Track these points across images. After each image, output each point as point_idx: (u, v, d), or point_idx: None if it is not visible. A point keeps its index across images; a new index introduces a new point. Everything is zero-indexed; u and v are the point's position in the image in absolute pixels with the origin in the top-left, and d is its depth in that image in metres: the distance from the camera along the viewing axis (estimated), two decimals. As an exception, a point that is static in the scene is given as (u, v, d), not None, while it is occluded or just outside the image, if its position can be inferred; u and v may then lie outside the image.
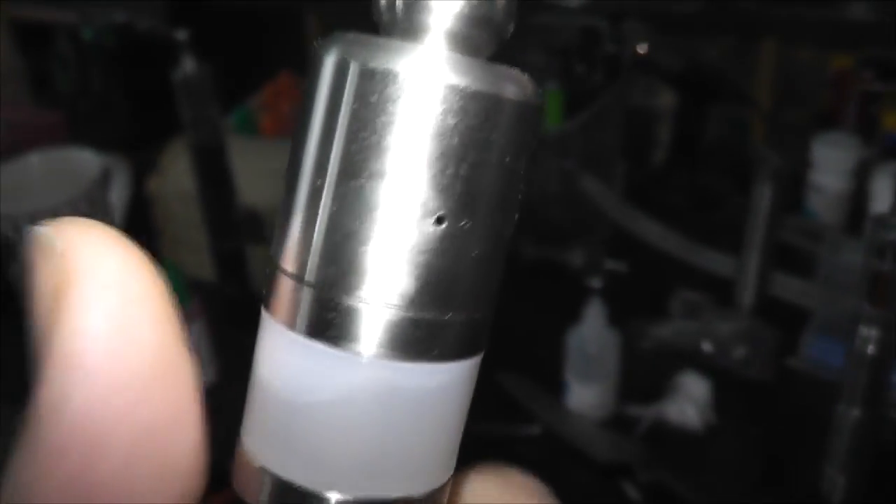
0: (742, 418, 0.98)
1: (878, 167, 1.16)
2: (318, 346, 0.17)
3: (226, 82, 1.08)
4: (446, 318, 0.17)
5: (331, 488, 0.18)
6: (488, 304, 0.19)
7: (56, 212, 1.04)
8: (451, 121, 0.16)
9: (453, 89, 0.16)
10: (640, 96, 1.41)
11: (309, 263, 0.17)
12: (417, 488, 0.18)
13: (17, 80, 1.85)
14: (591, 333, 0.92)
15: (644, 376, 0.99)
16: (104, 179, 1.14)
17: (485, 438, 0.88)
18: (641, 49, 1.20)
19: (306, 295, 0.17)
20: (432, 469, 0.19)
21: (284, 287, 0.18)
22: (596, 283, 1.09)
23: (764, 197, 1.01)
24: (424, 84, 0.16)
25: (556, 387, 0.97)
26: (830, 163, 1.20)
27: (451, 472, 0.20)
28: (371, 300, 0.17)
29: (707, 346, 1.02)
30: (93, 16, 1.84)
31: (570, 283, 1.15)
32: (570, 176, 1.17)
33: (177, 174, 1.19)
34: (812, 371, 0.99)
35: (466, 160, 0.17)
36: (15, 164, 1.17)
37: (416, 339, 0.17)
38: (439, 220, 0.17)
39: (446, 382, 0.18)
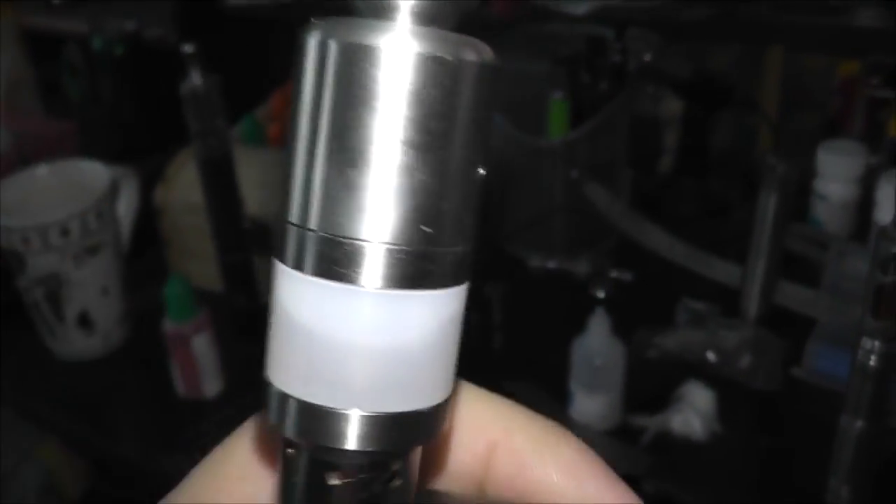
0: (747, 428, 0.98)
1: (884, 174, 1.15)
2: (327, 283, 0.20)
3: (234, 92, 1.08)
4: (437, 251, 0.20)
5: (351, 406, 0.20)
6: (470, 238, 0.21)
7: (64, 224, 1.05)
8: (423, 85, 0.19)
9: (422, 56, 0.19)
10: (646, 104, 1.41)
11: (311, 214, 0.20)
12: (425, 402, 0.21)
13: (27, 89, 1.86)
14: (596, 343, 0.93)
15: (649, 386, 0.99)
16: (113, 191, 1.15)
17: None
18: (647, 57, 1.21)
19: (311, 240, 0.20)
20: (436, 385, 0.22)
21: (292, 236, 0.20)
22: (601, 292, 1.09)
23: (769, 205, 1.01)
24: (397, 53, 0.19)
25: (561, 396, 0.98)
26: (836, 170, 1.20)
27: (451, 390, 0.22)
28: (369, 239, 0.19)
29: (712, 356, 1.02)
30: (102, 25, 1.85)
31: (575, 293, 1.15)
32: (576, 185, 1.17)
33: (184, 185, 1.20)
34: (817, 381, 0.99)
35: (440, 114, 0.19)
36: (23, 176, 1.18)
37: (413, 270, 0.20)
38: (422, 169, 0.20)
39: (441, 308, 0.21)
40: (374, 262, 0.20)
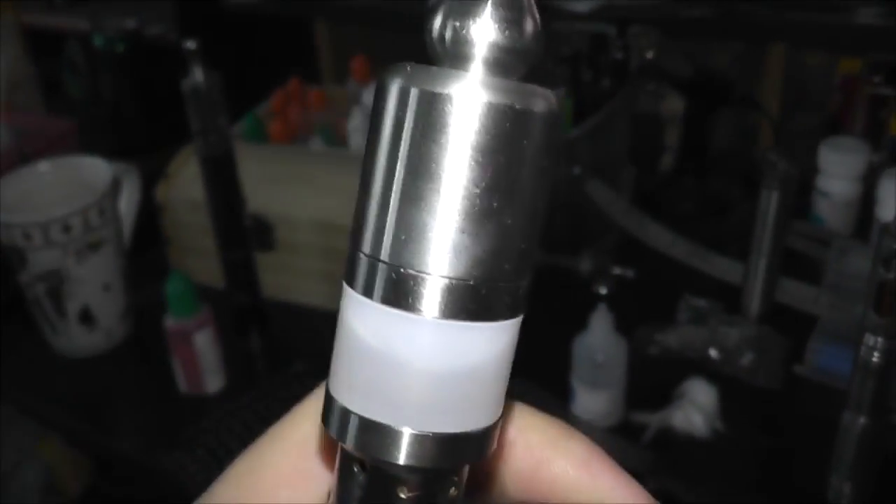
0: (749, 426, 0.98)
1: (886, 172, 1.15)
2: (392, 311, 0.21)
3: (235, 89, 1.08)
4: (497, 286, 0.22)
5: (405, 424, 0.22)
6: (528, 273, 0.23)
7: (66, 220, 1.05)
8: (491, 131, 0.21)
9: (492, 106, 0.20)
10: (648, 102, 1.40)
11: (383, 246, 0.21)
12: (474, 425, 0.23)
13: (28, 87, 1.86)
14: (598, 340, 0.93)
15: (651, 383, 0.99)
16: (114, 187, 1.15)
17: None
18: (649, 55, 1.21)
19: (381, 271, 0.21)
20: (486, 410, 0.23)
21: (363, 265, 0.22)
22: (602, 289, 1.09)
23: (771, 203, 1.01)
24: (468, 102, 0.20)
25: (563, 393, 0.98)
26: (838, 168, 1.20)
27: (500, 413, 0.24)
28: (433, 272, 0.21)
29: (714, 353, 1.02)
30: (103, 23, 1.85)
31: (578, 290, 1.15)
32: (578, 182, 1.17)
33: (185, 182, 1.20)
34: (819, 378, 0.99)
35: (506, 160, 0.21)
36: (25, 172, 1.18)
37: (472, 304, 0.21)
38: (489, 209, 0.21)
39: (496, 339, 0.22)
40: (436, 293, 0.21)
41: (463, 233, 0.21)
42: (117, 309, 1.15)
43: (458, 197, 0.21)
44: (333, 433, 0.23)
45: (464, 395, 0.22)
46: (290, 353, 1.11)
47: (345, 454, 0.24)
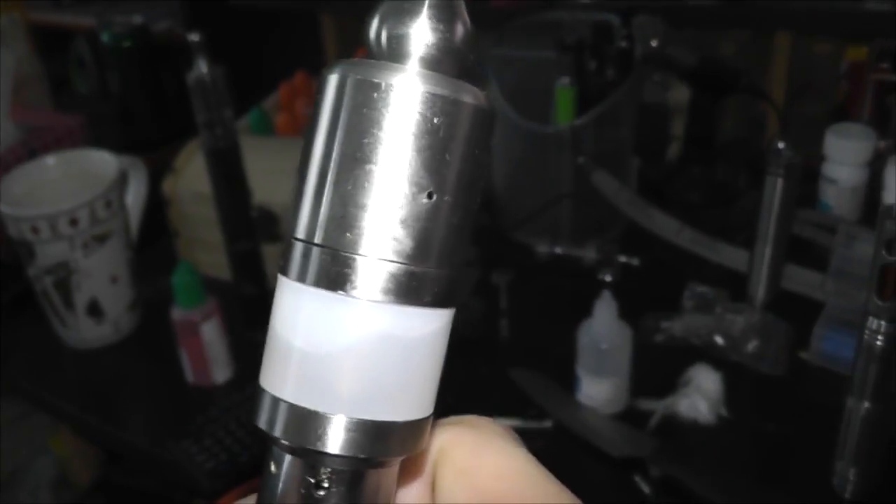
0: (754, 412, 0.98)
1: (892, 157, 1.15)
2: (325, 294, 0.22)
3: (242, 83, 1.08)
4: (429, 271, 0.22)
5: (336, 412, 0.22)
6: (460, 265, 0.23)
7: (73, 213, 1.06)
8: (426, 118, 0.22)
9: (426, 95, 0.22)
10: (655, 92, 1.40)
11: (318, 230, 0.22)
12: (401, 415, 0.23)
13: (37, 83, 1.87)
14: (602, 328, 0.93)
15: (656, 370, 0.99)
16: (121, 181, 1.16)
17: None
18: (654, 44, 1.21)
19: (315, 255, 0.22)
20: (414, 402, 0.23)
21: (298, 251, 0.22)
22: (607, 277, 1.09)
23: (775, 190, 1.01)
24: (406, 91, 0.22)
25: (568, 382, 0.98)
26: (844, 155, 1.19)
27: (431, 412, 0.24)
28: (368, 255, 0.22)
29: (719, 340, 1.02)
30: (110, 19, 1.86)
31: (583, 279, 1.15)
32: (583, 171, 1.17)
33: (192, 175, 1.20)
34: (824, 364, 0.99)
35: (441, 149, 0.22)
36: (32, 166, 1.19)
37: (405, 287, 0.22)
38: (422, 195, 0.22)
39: (428, 326, 0.23)
40: (369, 275, 0.22)
41: (396, 216, 0.22)
42: (125, 301, 1.16)
43: (391, 181, 0.21)
44: (263, 425, 0.23)
45: (395, 382, 0.22)
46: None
47: (273, 447, 0.23)
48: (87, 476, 1.57)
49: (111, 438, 1.10)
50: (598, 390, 0.94)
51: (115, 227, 1.12)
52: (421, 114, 0.21)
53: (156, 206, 1.26)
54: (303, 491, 0.23)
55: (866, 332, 0.77)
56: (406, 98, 0.21)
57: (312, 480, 0.23)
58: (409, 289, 0.22)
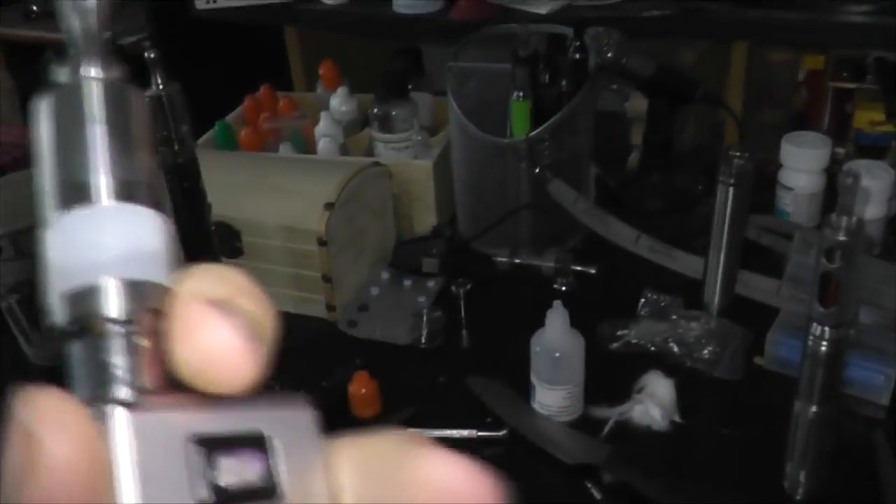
0: (709, 417, 0.99)
1: (844, 165, 1.17)
2: (71, 211, 0.25)
3: (209, 96, 1.09)
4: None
5: (102, 276, 0.24)
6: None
7: (35, 230, 1.06)
8: (110, 93, 0.25)
9: (86, 80, 0.25)
10: (614, 102, 1.42)
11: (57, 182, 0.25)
12: (156, 277, 0.25)
13: (6, 98, 1.87)
14: (554, 337, 0.94)
15: (612, 378, 1.00)
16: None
17: (451, 441, 0.90)
18: (609, 55, 1.22)
19: (53, 194, 0.26)
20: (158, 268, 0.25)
21: (49, 204, 0.26)
22: (559, 286, 1.10)
23: (727, 197, 1.03)
24: (75, 85, 0.25)
25: (525, 390, 0.99)
26: (800, 162, 1.21)
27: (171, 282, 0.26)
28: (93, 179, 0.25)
29: (675, 347, 1.03)
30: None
31: (541, 289, 1.16)
32: (541, 182, 1.18)
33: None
34: (779, 369, 1.01)
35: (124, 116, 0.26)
36: (9, 181, 1.19)
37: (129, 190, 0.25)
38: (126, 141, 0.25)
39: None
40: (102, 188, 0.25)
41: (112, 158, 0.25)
42: (89, 317, 1.16)
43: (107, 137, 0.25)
44: (57, 324, 0.24)
45: (142, 253, 0.25)
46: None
47: (61, 343, 0.25)
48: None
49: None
50: (552, 399, 0.96)
51: (76, 243, 1.12)
52: (106, 93, 0.25)
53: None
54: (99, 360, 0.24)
55: (811, 337, 0.79)
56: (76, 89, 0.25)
57: (104, 349, 0.24)
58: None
